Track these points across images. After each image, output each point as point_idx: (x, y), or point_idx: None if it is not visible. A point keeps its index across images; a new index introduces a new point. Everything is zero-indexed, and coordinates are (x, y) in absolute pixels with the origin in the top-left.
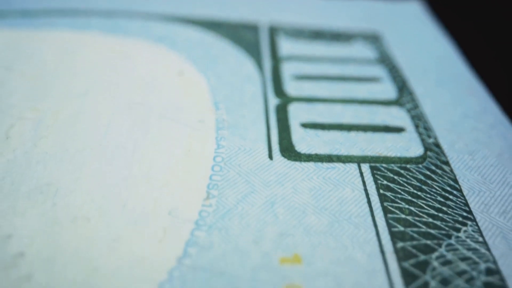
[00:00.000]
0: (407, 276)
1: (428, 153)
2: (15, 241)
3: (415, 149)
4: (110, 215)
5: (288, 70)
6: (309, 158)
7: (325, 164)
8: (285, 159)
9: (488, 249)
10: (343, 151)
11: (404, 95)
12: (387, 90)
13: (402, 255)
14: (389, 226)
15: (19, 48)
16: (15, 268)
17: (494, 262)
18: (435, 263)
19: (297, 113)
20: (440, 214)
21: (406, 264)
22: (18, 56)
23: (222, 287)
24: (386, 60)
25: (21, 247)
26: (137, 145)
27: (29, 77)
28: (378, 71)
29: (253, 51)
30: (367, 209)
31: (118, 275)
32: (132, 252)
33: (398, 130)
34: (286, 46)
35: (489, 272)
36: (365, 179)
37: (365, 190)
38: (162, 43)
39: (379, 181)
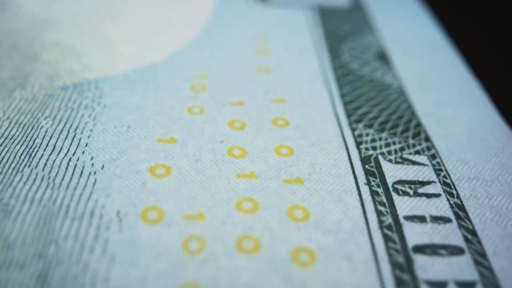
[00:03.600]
0: (333, 55)
1: (355, 11)
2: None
3: (348, 4)
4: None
5: None
6: (277, 2)
7: (287, 8)
8: (260, 3)
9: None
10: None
11: None
12: None
13: (331, 44)
14: (326, 33)
15: None
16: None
17: (383, 50)
18: (345, 48)
19: None
20: (358, 33)
21: (332, 49)
22: None
23: (223, 54)
24: None
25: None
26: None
27: None
28: None
29: None
30: (310, 34)
31: (168, 32)
32: (174, 16)
33: None
34: None
35: (380, 54)
36: (315, 15)
37: (315, 21)
38: None
39: (324, 16)
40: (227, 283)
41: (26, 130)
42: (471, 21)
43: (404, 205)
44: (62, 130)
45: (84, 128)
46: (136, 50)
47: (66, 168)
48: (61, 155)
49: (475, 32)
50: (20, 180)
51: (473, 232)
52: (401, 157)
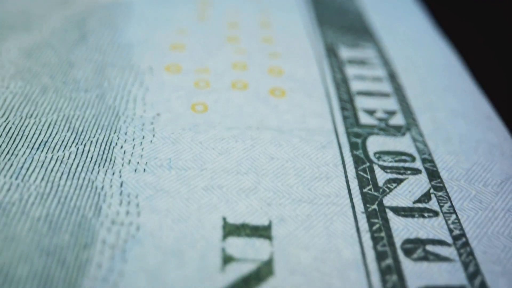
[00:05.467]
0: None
1: None
2: None
3: None
4: None
5: None
6: None
7: None
8: None
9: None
10: None
11: None
12: None
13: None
14: None
15: None
16: None
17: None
18: None
19: None
20: None
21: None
22: None
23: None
24: None
25: None
26: None
27: None
28: None
29: None
30: None
31: None
32: None
33: None
34: None
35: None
36: None
37: None
38: None
39: None
40: (225, 104)
41: (77, 27)
42: (471, 21)
43: (353, 70)
44: (104, 26)
45: (120, 26)
46: None
47: (112, 46)
48: (107, 39)
49: (474, 32)
50: (78, 53)
51: (404, 96)
52: (354, 43)
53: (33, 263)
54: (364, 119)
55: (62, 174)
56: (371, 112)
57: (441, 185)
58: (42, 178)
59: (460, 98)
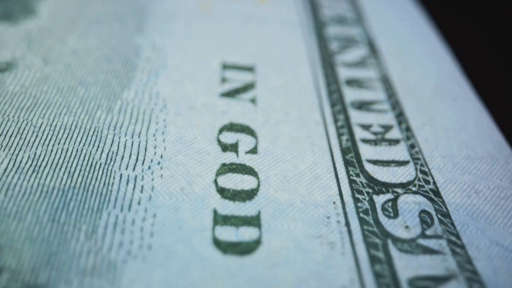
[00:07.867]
0: None
1: None
2: None
3: None
4: None
5: None
6: None
7: None
8: None
9: None
10: None
11: None
12: None
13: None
14: None
15: None
16: None
17: None
18: None
19: None
20: None
21: None
22: None
23: None
24: None
25: None
26: None
27: None
28: None
29: None
30: None
31: None
32: None
33: None
34: None
35: None
36: None
37: None
38: None
39: None
40: (224, 7)
41: None
42: (471, 21)
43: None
44: None
45: None
46: None
47: None
48: None
49: (475, 33)
50: None
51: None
52: None
53: (97, 76)
54: (324, 14)
55: (109, 38)
56: (332, 18)
57: (376, 53)
58: (99, 41)
59: (409, 22)
